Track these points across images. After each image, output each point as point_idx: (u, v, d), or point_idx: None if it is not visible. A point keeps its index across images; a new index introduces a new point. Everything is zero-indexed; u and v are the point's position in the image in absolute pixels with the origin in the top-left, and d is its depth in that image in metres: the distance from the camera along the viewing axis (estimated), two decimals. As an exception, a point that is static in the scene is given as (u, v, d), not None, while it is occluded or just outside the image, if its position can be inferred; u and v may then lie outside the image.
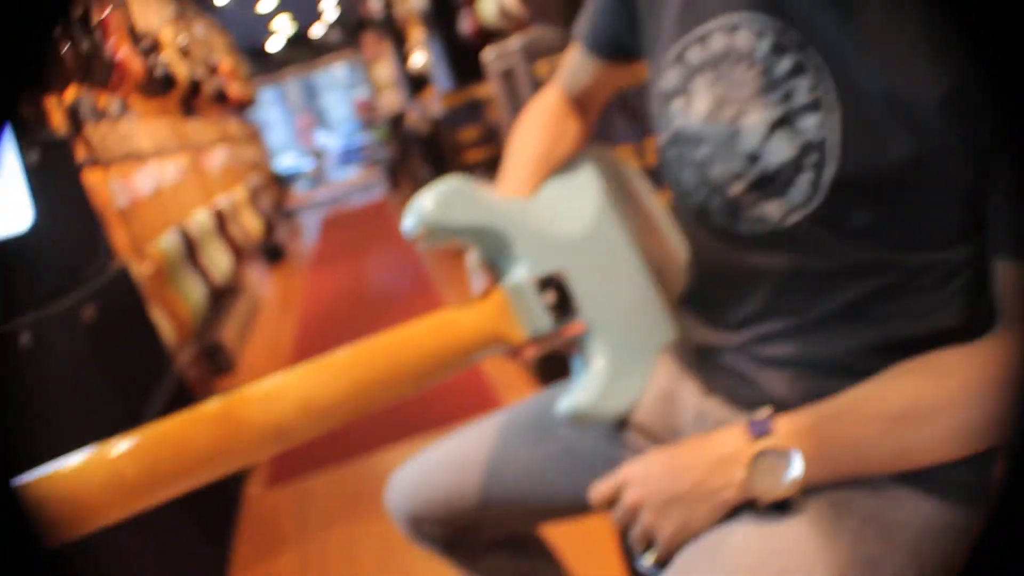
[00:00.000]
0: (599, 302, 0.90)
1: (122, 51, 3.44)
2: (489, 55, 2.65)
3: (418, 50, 7.17)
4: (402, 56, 8.02)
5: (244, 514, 2.62)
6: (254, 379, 0.73)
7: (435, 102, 5.52)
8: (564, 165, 1.04)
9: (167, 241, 3.57)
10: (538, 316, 0.86)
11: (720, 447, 0.76)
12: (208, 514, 2.33)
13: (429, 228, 0.83)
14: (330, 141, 19.28)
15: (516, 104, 2.46)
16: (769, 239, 0.76)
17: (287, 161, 17.40)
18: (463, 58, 4.92)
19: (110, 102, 3.56)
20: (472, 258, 0.94)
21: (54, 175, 1.95)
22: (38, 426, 1.95)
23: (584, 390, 0.90)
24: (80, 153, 3.02)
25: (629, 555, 0.98)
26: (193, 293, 3.64)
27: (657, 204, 1.04)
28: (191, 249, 3.94)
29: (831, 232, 0.71)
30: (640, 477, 0.79)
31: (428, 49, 5.83)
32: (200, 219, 4.46)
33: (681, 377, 0.92)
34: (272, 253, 8.00)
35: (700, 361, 0.91)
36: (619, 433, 0.94)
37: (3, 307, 1.85)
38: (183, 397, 2.52)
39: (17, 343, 1.95)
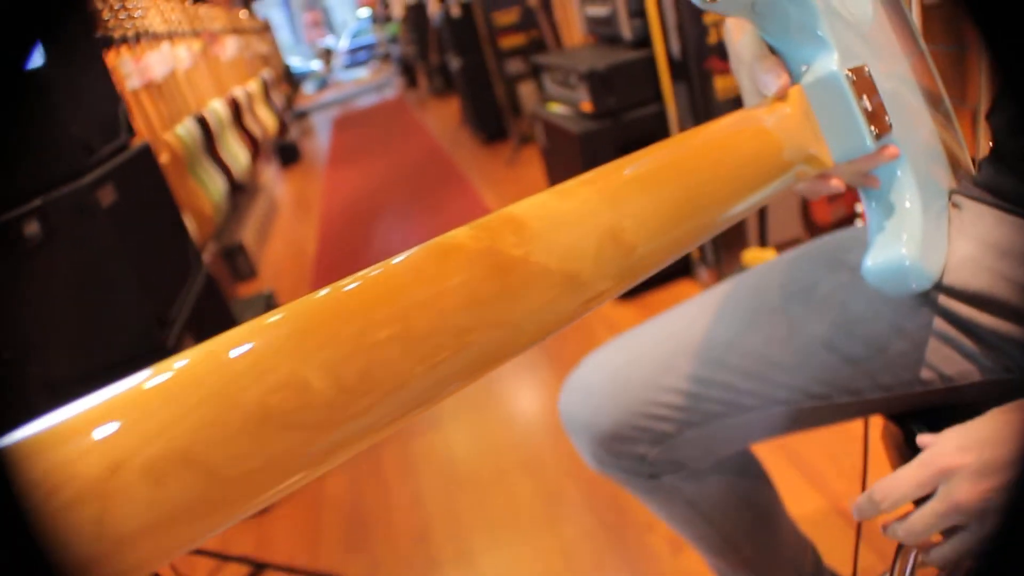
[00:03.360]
0: (902, 118, 0.63)
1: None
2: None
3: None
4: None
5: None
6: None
7: (466, -17, 5.05)
8: None
9: (184, 128, 3.21)
10: (854, 129, 0.58)
11: None
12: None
13: None
14: (337, 42, 18.68)
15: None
16: None
17: (293, 62, 16.80)
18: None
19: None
20: (749, 45, 0.63)
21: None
22: (45, 339, 1.66)
23: (907, 238, 0.63)
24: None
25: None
26: (213, 186, 3.30)
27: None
28: (209, 139, 3.58)
29: None
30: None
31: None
32: (216, 108, 4.08)
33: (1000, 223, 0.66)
34: (286, 154, 7.61)
35: None
36: (926, 302, 0.68)
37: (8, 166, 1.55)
38: (213, 302, 2.21)
39: (22, 234, 1.64)
